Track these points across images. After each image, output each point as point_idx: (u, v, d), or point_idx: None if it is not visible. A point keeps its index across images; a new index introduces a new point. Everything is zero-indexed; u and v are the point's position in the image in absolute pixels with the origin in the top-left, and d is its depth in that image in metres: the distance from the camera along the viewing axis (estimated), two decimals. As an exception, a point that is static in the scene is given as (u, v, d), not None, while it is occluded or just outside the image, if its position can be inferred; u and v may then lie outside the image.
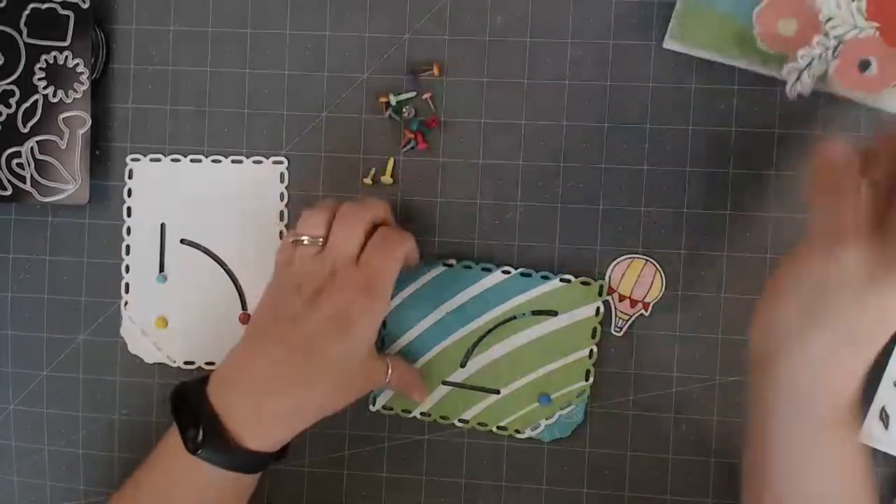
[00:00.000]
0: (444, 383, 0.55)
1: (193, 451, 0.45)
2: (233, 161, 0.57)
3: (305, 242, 0.50)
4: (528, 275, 0.54)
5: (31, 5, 0.55)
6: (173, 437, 0.47)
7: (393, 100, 0.56)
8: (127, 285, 0.58)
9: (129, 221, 0.58)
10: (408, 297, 0.55)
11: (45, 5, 0.55)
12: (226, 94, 0.57)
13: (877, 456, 0.53)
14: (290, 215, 0.57)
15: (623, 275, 0.54)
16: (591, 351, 0.54)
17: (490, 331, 0.55)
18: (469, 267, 0.55)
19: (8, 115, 0.56)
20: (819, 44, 0.50)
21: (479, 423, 0.55)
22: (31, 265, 0.59)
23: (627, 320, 0.54)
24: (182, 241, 0.58)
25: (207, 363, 0.58)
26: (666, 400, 0.55)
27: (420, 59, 0.56)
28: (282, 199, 0.57)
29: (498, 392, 0.55)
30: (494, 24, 0.56)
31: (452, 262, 0.55)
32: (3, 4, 0.56)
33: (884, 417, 0.52)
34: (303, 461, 0.58)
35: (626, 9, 0.55)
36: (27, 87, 0.56)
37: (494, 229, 0.56)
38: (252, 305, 0.57)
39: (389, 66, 0.56)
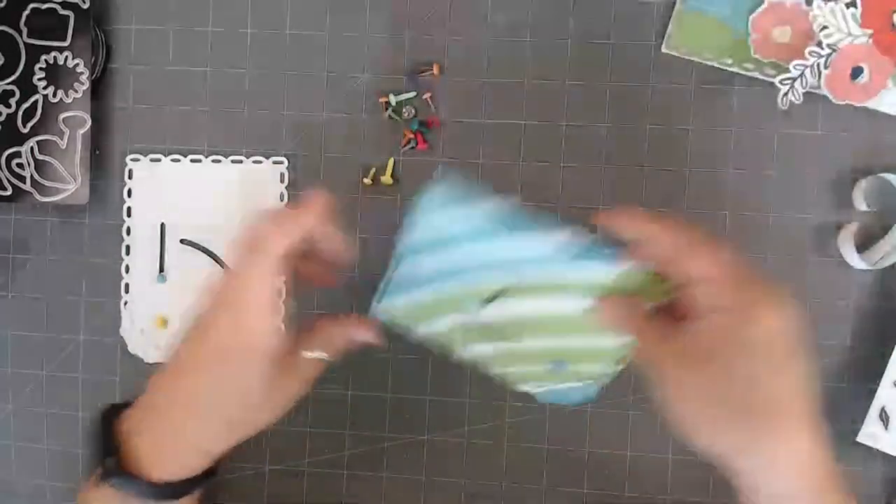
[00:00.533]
0: (461, 315, 0.47)
1: (103, 479, 0.43)
2: (233, 161, 0.57)
3: None
4: (598, 249, 0.44)
5: (31, 5, 0.55)
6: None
7: (393, 100, 0.56)
8: (127, 285, 0.58)
9: (129, 221, 0.58)
10: (470, 213, 0.45)
11: (45, 5, 0.55)
12: (226, 94, 0.57)
13: (877, 456, 0.53)
14: (290, 215, 0.57)
15: None
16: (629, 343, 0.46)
17: (533, 285, 0.46)
18: (532, 218, 0.44)
19: (8, 115, 0.56)
20: (812, 54, 0.50)
21: (483, 364, 0.49)
22: (31, 265, 0.59)
23: None
24: (182, 241, 0.58)
25: (207, 363, 0.58)
26: (666, 400, 0.55)
27: (420, 59, 0.56)
28: (282, 199, 0.57)
29: (515, 341, 0.48)
30: (494, 24, 0.56)
31: (513, 203, 0.44)
32: (2, 4, 0.56)
33: (884, 417, 0.52)
34: (303, 461, 0.58)
35: (626, 9, 0.55)
36: (27, 87, 0.56)
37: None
38: (252, 305, 0.57)
39: (389, 66, 0.56)
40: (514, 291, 0.46)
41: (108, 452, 0.43)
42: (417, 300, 0.48)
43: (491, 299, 0.47)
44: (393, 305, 0.48)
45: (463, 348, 0.49)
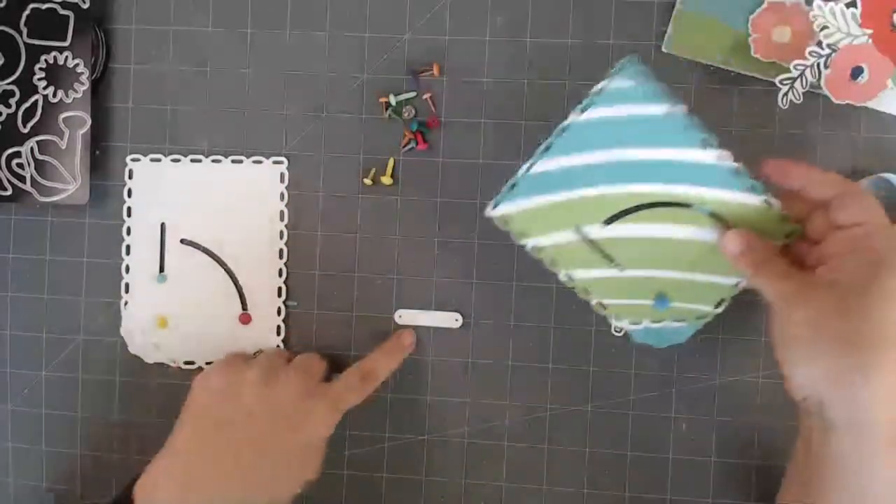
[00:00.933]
0: (576, 231, 0.48)
1: None
2: (233, 161, 0.57)
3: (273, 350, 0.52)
4: (740, 175, 0.46)
5: (31, 5, 0.55)
6: None
7: (393, 100, 0.56)
8: (127, 285, 0.58)
9: (129, 221, 0.58)
10: (614, 118, 0.46)
11: (45, 5, 0.55)
12: (226, 94, 0.57)
13: (877, 456, 0.53)
14: (290, 215, 0.57)
15: None
16: (738, 283, 0.48)
17: (656, 204, 0.46)
18: (690, 129, 0.45)
19: (8, 115, 0.56)
20: (812, 54, 0.51)
21: (584, 289, 0.50)
22: (31, 265, 0.59)
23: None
24: (182, 241, 0.58)
25: (207, 363, 0.58)
26: (666, 400, 0.55)
27: (420, 59, 0.56)
28: (282, 199, 0.57)
29: (621, 269, 0.49)
30: (494, 24, 0.56)
31: (679, 110, 0.45)
32: (2, 4, 0.56)
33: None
34: (303, 461, 0.58)
35: (626, 9, 0.55)
36: (27, 87, 0.56)
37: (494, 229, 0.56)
38: (252, 305, 0.57)
39: (389, 66, 0.56)
40: (635, 216, 0.47)
41: None
42: (537, 206, 0.48)
43: (610, 220, 0.47)
44: (510, 209, 0.48)
45: (568, 270, 0.49)
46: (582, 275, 0.49)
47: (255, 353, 0.50)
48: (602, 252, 0.48)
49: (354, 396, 0.51)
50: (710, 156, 0.45)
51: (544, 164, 0.47)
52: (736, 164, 0.45)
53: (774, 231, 0.46)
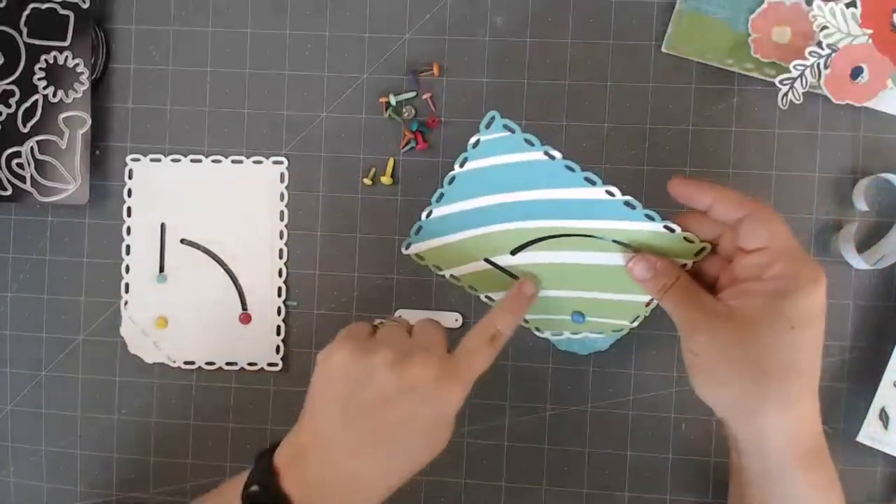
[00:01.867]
0: (487, 261, 0.51)
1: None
2: (233, 161, 0.57)
3: (393, 322, 0.49)
4: (633, 206, 0.47)
5: (31, 5, 0.55)
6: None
7: (393, 100, 0.56)
8: (127, 285, 0.58)
9: (129, 221, 0.58)
10: (491, 166, 0.48)
11: (45, 5, 0.55)
12: (226, 94, 0.57)
13: (877, 456, 0.53)
14: (290, 215, 0.57)
15: None
16: (651, 300, 0.50)
17: (559, 236, 0.49)
18: (572, 169, 0.47)
19: (8, 115, 0.56)
20: (812, 54, 0.50)
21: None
22: (31, 265, 0.59)
23: None
24: (182, 241, 0.58)
25: (207, 363, 0.58)
26: (666, 400, 0.55)
27: (420, 59, 0.56)
28: (282, 199, 0.57)
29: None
30: (494, 24, 0.56)
31: (556, 154, 0.47)
32: (2, 4, 0.56)
33: (884, 417, 0.52)
34: (303, 461, 0.58)
35: (626, 9, 0.55)
36: (27, 87, 0.56)
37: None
38: (252, 305, 0.57)
39: (389, 66, 0.56)
40: (541, 244, 0.49)
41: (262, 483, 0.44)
42: (445, 243, 0.51)
43: (518, 250, 0.50)
44: (421, 248, 0.52)
45: (486, 293, 0.52)
46: (500, 296, 0.52)
47: (374, 325, 0.49)
48: (515, 276, 0.51)
49: (482, 363, 0.47)
50: (599, 192, 0.47)
51: (441, 210, 0.51)
52: (626, 198, 0.46)
53: (682, 252, 0.46)
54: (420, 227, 0.52)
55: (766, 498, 0.43)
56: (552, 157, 0.47)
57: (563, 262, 0.49)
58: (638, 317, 0.50)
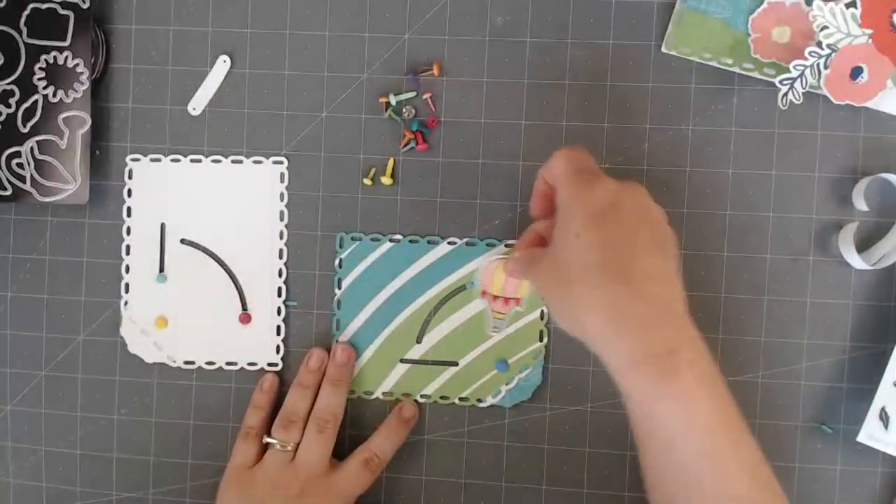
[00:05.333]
0: (403, 361, 0.56)
1: None
2: (233, 161, 0.57)
3: (278, 448, 0.54)
4: (474, 244, 0.55)
5: (31, 5, 0.55)
6: None
7: (393, 100, 0.56)
8: (127, 285, 0.58)
9: (129, 221, 0.58)
10: (358, 277, 0.56)
11: (45, 5, 0.55)
12: (226, 94, 0.57)
13: (877, 456, 0.53)
14: (290, 215, 0.57)
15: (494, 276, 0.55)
16: (543, 312, 0.55)
17: (442, 303, 0.55)
18: (415, 241, 0.56)
19: (8, 115, 0.56)
20: (812, 54, 0.50)
21: (440, 397, 0.56)
22: (31, 265, 0.59)
23: (503, 318, 0.56)
24: (182, 241, 0.58)
25: (207, 363, 0.58)
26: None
27: (420, 59, 0.56)
28: (282, 199, 0.57)
29: (456, 364, 0.56)
30: (494, 24, 0.56)
31: (399, 237, 0.56)
32: (2, 4, 0.56)
33: (884, 417, 0.52)
34: (303, 461, 0.58)
35: (626, 9, 0.55)
36: (27, 87, 0.56)
37: (495, 229, 0.56)
38: (252, 305, 0.57)
39: (389, 66, 0.56)
40: (436, 318, 0.56)
41: None
42: (365, 360, 0.57)
43: (420, 335, 0.56)
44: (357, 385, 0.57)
45: (420, 392, 0.56)
46: (432, 388, 0.56)
47: (264, 444, 0.55)
48: (433, 362, 0.56)
49: (358, 487, 0.54)
50: (444, 247, 0.55)
51: (346, 334, 0.57)
52: (465, 239, 0.55)
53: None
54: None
55: (637, 426, 0.42)
56: (397, 241, 0.56)
57: (460, 322, 0.56)
58: (542, 331, 0.55)
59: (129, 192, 0.58)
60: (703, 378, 0.41)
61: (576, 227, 0.43)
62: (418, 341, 0.56)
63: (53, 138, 0.56)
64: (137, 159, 0.58)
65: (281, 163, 0.57)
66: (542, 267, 0.46)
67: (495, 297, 0.55)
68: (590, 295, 0.42)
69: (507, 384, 0.56)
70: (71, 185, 0.56)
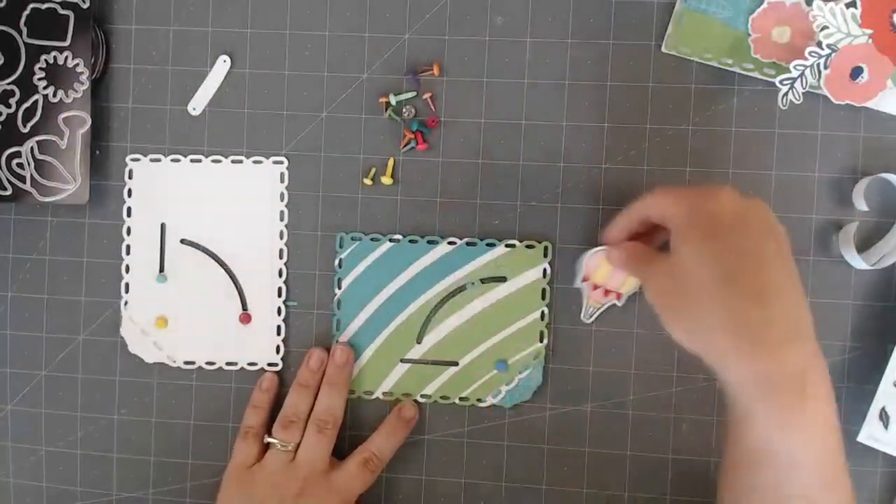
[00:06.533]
0: (403, 361, 0.56)
1: None
2: (233, 161, 0.57)
3: (279, 447, 0.54)
4: (474, 244, 0.55)
5: (31, 5, 0.55)
6: None
7: (393, 100, 0.56)
8: (127, 285, 0.58)
9: (129, 221, 0.58)
10: (358, 277, 0.56)
11: (45, 5, 0.55)
12: (226, 94, 0.57)
13: (877, 456, 0.53)
14: (290, 215, 0.57)
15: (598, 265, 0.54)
16: (543, 312, 0.55)
17: (442, 303, 0.55)
18: (415, 241, 0.56)
19: (8, 115, 0.56)
20: (812, 54, 0.50)
21: (441, 397, 0.56)
22: (31, 265, 0.59)
23: (599, 308, 0.55)
24: (182, 241, 0.58)
25: (207, 363, 0.58)
26: (666, 400, 0.55)
27: (420, 59, 0.56)
28: (282, 199, 0.57)
29: (456, 364, 0.56)
30: (494, 24, 0.56)
31: (399, 237, 0.56)
32: (2, 4, 0.56)
33: (884, 417, 0.52)
34: (303, 461, 0.58)
35: (626, 9, 0.55)
36: (27, 87, 0.56)
37: (495, 229, 0.56)
38: (252, 305, 0.57)
39: (389, 66, 0.56)
40: (435, 318, 0.56)
41: None
42: (364, 360, 0.57)
43: (420, 335, 0.56)
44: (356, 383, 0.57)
45: (419, 391, 0.57)
46: (432, 388, 0.56)
47: (264, 445, 0.55)
48: (433, 362, 0.56)
49: (358, 486, 0.54)
50: (444, 247, 0.55)
51: (346, 334, 0.56)
52: (466, 239, 0.55)
53: (532, 256, 0.55)
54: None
55: (741, 452, 0.42)
56: (397, 241, 0.56)
57: (460, 322, 0.56)
58: (543, 332, 0.55)
59: (129, 192, 0.58)
60: (823, 399, 0.41)
61: (699, 235, 0.42)
62: (418, 341, 0.56)
63: (53, 138, 0.56)
64: (137, 159, 0.58)
65: (281, 163, 0.57)
66: (657, 271, 0.45)
67: (596, 287, 0.54)
68: (716, 313, 0.41)
69: (507, 384, 0.56)
70: (71, 185, 0.56)
